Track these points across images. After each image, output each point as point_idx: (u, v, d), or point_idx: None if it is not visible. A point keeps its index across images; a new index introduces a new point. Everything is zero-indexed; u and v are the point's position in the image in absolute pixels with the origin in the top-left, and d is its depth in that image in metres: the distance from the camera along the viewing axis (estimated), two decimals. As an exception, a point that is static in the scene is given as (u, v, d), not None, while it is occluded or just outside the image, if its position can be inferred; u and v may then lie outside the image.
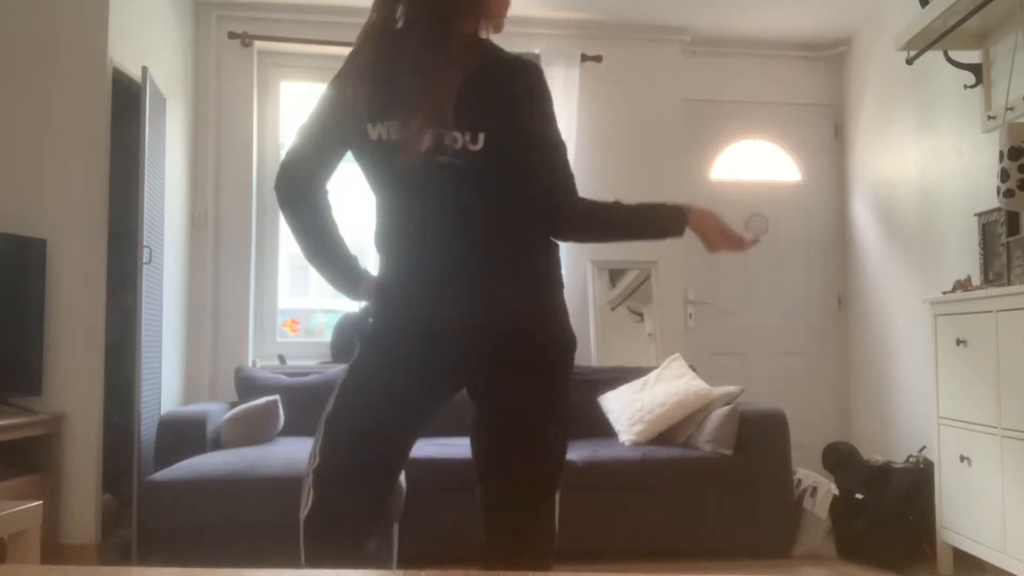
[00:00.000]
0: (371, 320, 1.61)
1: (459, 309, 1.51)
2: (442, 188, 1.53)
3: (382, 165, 1.55)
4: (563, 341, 1.57)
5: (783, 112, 4.72)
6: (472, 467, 1.63)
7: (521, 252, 1.58)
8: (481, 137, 1.50)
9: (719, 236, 1.66)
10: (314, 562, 1.50)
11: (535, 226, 1.60)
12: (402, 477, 2.86)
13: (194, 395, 4.01)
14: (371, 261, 1.67)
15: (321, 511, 1.52)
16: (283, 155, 1.63)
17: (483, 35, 1.60)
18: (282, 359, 4.18)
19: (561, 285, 1.61)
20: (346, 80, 1.56)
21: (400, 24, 1.54)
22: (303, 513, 1.53)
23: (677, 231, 1.65)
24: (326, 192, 1.62)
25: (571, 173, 1.60)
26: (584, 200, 1.60)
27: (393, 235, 1.59)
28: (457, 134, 1.49)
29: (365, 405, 1.54)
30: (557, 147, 1.57)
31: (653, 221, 1.66)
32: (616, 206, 1.61)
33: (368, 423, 1.53)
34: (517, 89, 1.55)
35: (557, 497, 1.62)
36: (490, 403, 1.57)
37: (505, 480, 1.58)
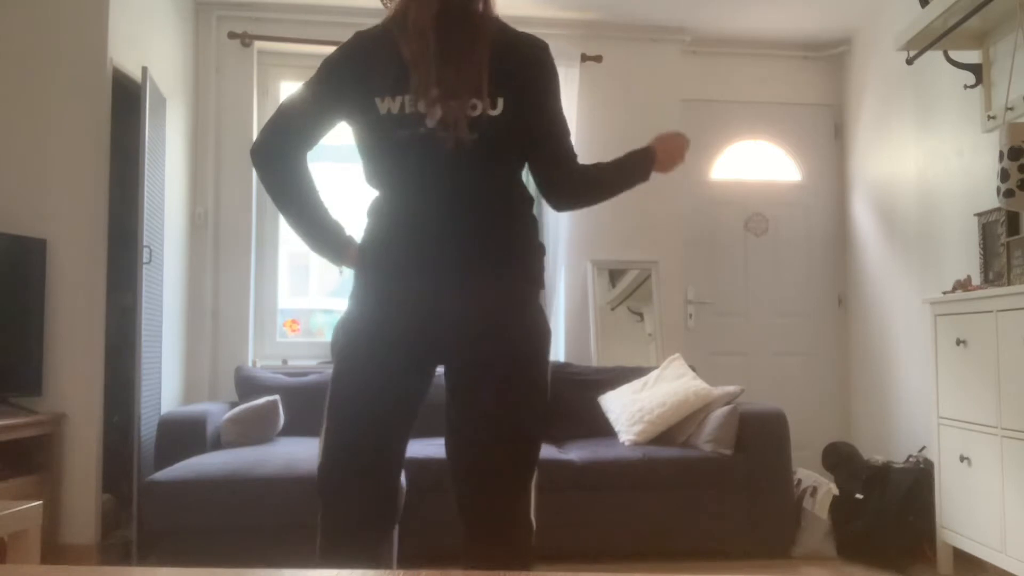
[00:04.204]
0: (353, 292, 1.60)
1: (445, 290, 1.52)
2: (450, 165, 1.53)
3: (388, 139, 1.55)
4: (538, 334, 1.59)
5: (783, 112, 4.72)
6: (448, 466, 1.62)
7: (514, 242, 1.59)
8: (500, 102, 1.53)
9: (679, 157, 1.78)
10: (328, 560, 1.52)
11: (532, 218, 1.64)
12: (402, 477, 2.86)
13: (194, 395, 4.01)
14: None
15: (331, 511, 1.55)
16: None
17: (493, 12, 1.63)
18: (284, 362, 4.17)
19: (542, 286, 1.64)
20: (353, 55, 1.58)
21: (418, 8, 1.55)
22: (319, 513, 1.56)
23: (646, 172, 1.74)
24: (305, 159, 1.61)
25: (573, 148, 1.68)
26: (580, 167, 1.68)
27: (389, 209, 1.59)
28: (476, 100, 1.51)
29: (357, 395, 1.55)
30: (565, 122, 1.65)
31: (632, 170, 1.74)
32: (601, 167, 1.70)
33: (362, 413, 1.55)
34: (531, 62, 1.61)
35: (532, 491, 1.62)
36: (465, 396, 1.57)
37: (480, 476, 1.57)
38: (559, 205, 1.72)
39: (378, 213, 1.60)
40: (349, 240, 1.63)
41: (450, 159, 1.52)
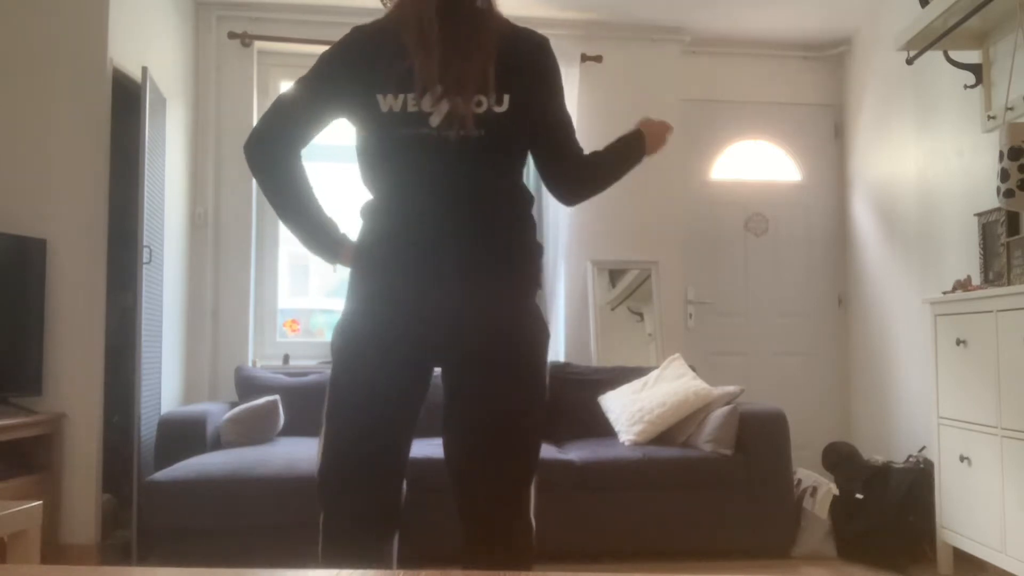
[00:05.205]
0: (351, 293, 1.59)
1: (444, 290, 1.51)
2: (452, 164, 1.53)
3: (389, 137, 1.54)
4: (535, 334, 1.58)
5: (783, 112, 4.72)
6: (446, 468, 1.62)
7: (513, 243, 1.59)
8: (506, 99, 1.53)
9: (662, 141, 1.81)
10: (330, 563, 1.51)
11: (531, 218, 1.63)
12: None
13: (194, 395, 4.01)
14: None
15: (333, 515, 1.54)
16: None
17: (496, 6, 1.65)
18: (287, 358, 4.17)
19: (539, 286, 1.64)
20: (352, 50, 1.57)
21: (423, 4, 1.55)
22: (321, 517, 1.55)
23: (640, 153, 1.77)
24: (299, 156, 1.60)
25: (578, 142, 1.69)
26: (582, 157, 1.70)
27: (386, 208, 1.57)
28: (482, 97, 1.51)
29: (357, 397, 1.54)
30: (568, 116, 1.67)
31: (628, 152, 1.76)
32: (600, 154, 1.72)
33: (363, 416, 1.54)
34: (535, 58, 1.62)
35: (532, 492, 1.61)
36: (463, 397, 1.56)
37: (480, 476, 1.56)
38: (566, 198, 1.74)
39: (374, 213, 1.58)
40: (343, 238, 1.62)
41: (453, 157, 1.51)
